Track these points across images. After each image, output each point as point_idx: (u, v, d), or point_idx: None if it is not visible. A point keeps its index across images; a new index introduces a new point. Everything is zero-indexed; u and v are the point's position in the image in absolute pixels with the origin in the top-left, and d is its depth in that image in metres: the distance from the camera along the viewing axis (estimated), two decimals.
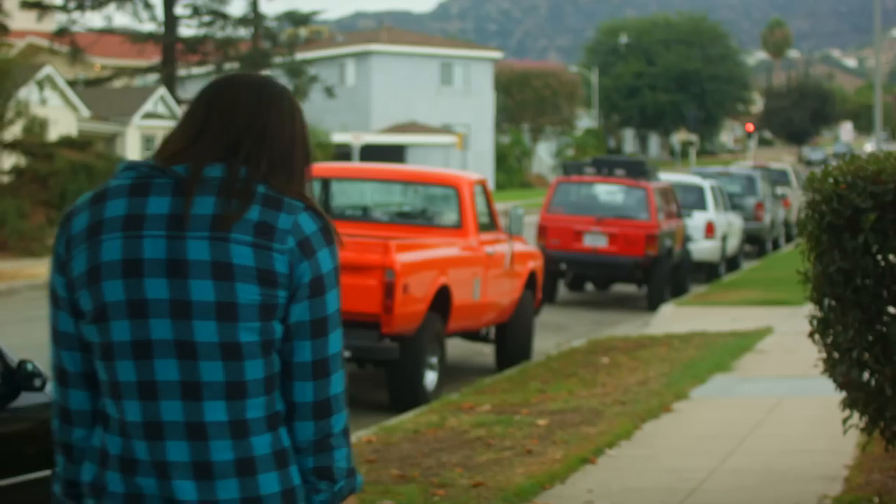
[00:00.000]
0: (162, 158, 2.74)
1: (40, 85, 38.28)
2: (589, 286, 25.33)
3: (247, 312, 2.60)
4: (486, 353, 16.38)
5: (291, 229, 2.64)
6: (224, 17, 51.10)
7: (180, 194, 2.66)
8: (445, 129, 67.57)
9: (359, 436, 10.22)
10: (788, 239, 37.37)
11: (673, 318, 19.49)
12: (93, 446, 2.74)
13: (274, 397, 2.67)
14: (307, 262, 2.64)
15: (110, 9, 49.85)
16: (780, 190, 37.84)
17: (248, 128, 2.72)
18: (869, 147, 74.40)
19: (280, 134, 2.75)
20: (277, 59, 52.76)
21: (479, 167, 64.67)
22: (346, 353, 12.06)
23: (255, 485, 2.62)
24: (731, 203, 30.18)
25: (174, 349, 2.60)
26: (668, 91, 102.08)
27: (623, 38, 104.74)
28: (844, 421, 7.74)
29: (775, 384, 12.91)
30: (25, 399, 7.60)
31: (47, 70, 40.99)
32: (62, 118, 42.76)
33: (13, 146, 31.64)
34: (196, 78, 54.88)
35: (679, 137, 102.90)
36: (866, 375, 7.51)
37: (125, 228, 2.64)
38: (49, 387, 7.72)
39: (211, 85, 2.82)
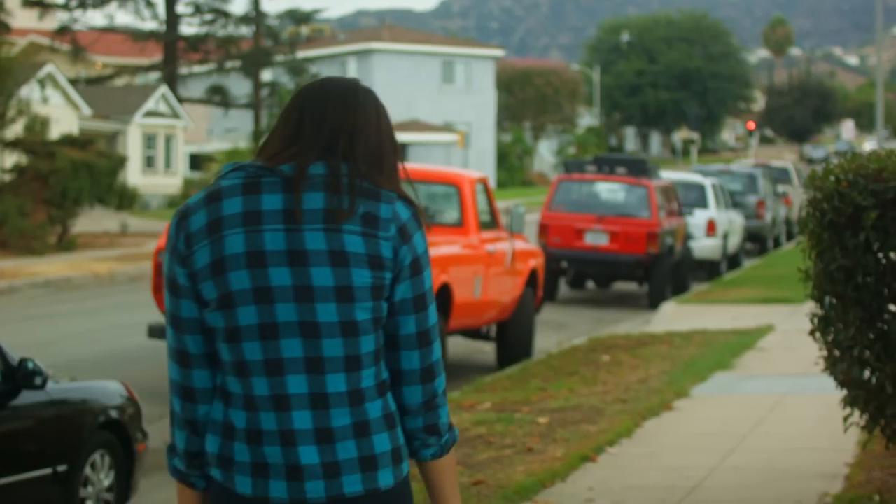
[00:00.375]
0: (265, 159, 3.02)
1: (42, 83, 38.27)
2: (590, 284, 25.33)
3: (361, 294, 2.92)
4: (486, 351, 16.38)
5: (392, 218, 2.96)
6: (225, 15, 51.07)
7: (290, 191, 2.96)
8: (447, 128, 67.59)
9: None
10: (790, 237, 37.36)
11: (674, 316, 19.49)
12: (214, 420, 3.00)
13: (381, 367, 3.00)
14: (406, 246, 2.97)
15: (112, 7, 49.84)
16: (781, 188, 37.82)
17: (339, 129, 3.02)
18: (868, 146, 74.34)
19: (367, 133, 3.04)
20: (279, 58, 52.75)
21: (480, 165, 64.68)
22: None
23: (371, 444, 2.94)
24: (733, 201, 30.17)
25: (298, 329, 2.91)
26: (669, 89, 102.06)
27: (625, 36, 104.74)
28: (845, 419, 7.74)
29: (776, 382, 12.91)
30: (26, 397, 7.60)
31: (49, 68, 40.98)
32: (63, 116, 42.77)
33: (15, 144, 31.63)
34: (197, 76, 54.87)
35: (680, 135, 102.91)
36: (867, 373, 7.50)
37: (245, 224, 2.93)
38: (49, 385, 7.73)
39: (301, 92, 3.09)
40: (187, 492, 3.10)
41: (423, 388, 3.04)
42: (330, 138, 3.00)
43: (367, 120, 3.04)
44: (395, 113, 66.71)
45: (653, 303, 22.10)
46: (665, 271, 22.53)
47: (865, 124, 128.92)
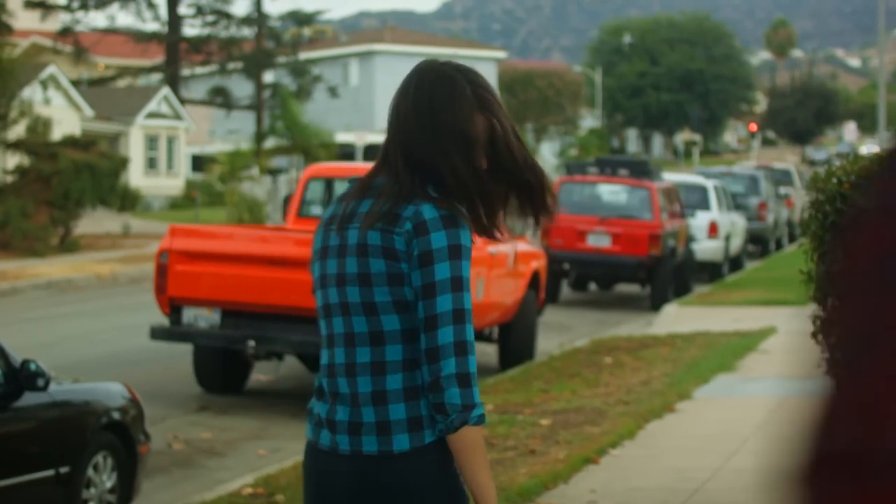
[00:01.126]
0: (366, 174, 3.62)
1: (44, 84, 38.31)
2: (592, 286, 25.33)
3: (377, 279, 3.44)
4: (489, 352, 16.38)
5: (411, 216, 3.41)
6: (227, 16, 51.11)
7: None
8: None
9: None
10: (791, 239, 37.33)
11: (676, 318, 19.49)
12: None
13: (413, 346, 3.45)
14: (418, 240, 3.40)
15: (114, 8, 49.89)
16: (783, 190, 37.81)
17: (397, 147, 3.54)
18: (865, 149, 74.22)
19: (417, 136, 3.52)
20: (281, 59, 52.77)
21: None
22: None
23: (386, 412, 3.42)
24: (735, 203, 30.15)
25: (340, 309, 3.52)
26: (671, 91, 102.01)
27: (627, 38, 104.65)
28: None
29: (778, 384, 12.91)
30: (28, 399, 7.61)
31: (51, 70, 41.00)
32: (66, 118, 42.79)
33: (17, 146, 31.64)
34: (199, 77, 54.89)
35: (682, 137, 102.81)
36: None
37: (325, 224, 3.62)
38: (52, 386, 7.74)
39: None
40: None
41: (429, 367, 3.37)
42: (388, 152, 3.55)
43: (419, 124, 3.53)
44: None
45: (655, 305, 22.10)
46: (667, 273, 22.53)
47: (868, 126, 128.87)
